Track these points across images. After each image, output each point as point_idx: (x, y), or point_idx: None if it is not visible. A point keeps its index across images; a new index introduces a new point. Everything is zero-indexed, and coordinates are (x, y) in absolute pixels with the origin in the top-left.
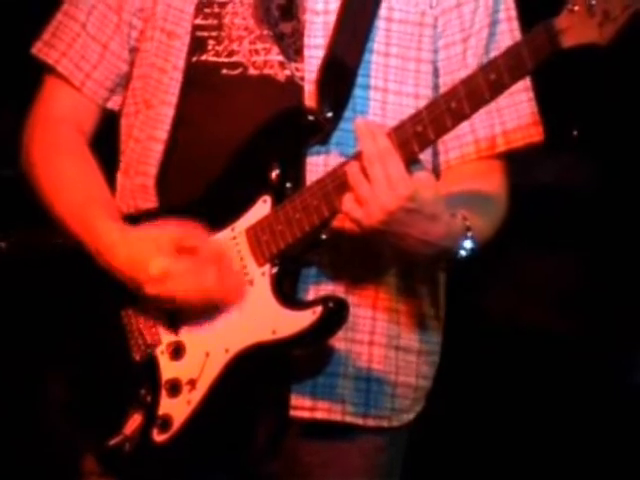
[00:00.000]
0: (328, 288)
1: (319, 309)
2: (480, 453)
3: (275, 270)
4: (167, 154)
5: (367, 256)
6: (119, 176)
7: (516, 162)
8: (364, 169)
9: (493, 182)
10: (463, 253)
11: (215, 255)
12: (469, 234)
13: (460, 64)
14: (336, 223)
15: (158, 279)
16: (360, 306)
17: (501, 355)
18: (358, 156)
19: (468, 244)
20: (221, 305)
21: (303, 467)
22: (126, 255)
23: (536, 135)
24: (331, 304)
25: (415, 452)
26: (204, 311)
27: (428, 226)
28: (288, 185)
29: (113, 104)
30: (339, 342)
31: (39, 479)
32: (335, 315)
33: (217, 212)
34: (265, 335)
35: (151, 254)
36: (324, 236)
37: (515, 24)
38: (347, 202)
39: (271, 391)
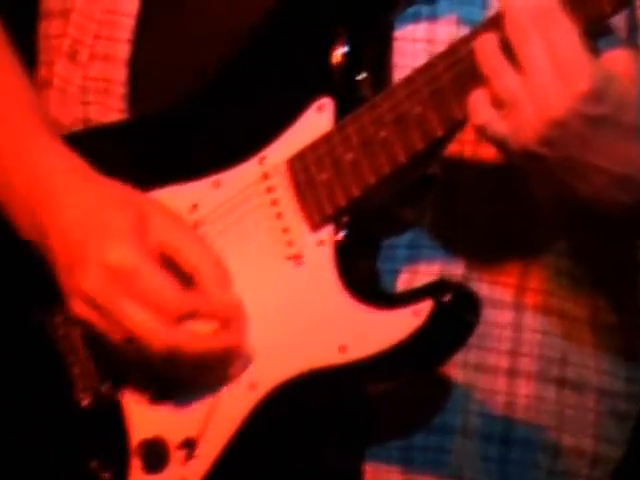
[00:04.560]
0: (433, 270)
1: (426, 307)
2: None
3: (342, 236)
4: (142, 26)
5: (509, 213)
6: (53, 64)
7: None
8: (508, 45)
9: None
10: None
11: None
12: None
13: None
14: (452, 148)
15: (108, 281)
16: (494, 305)
17: None
18: (495, 22)
19: None
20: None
21: None
22: (76, 215)
23: None
24: (448, 298)
25: None
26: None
27: (627, 148)
28: (362, 77)
29: None
30: (455, 369)
31: None
32: (456, 318)
33: (231, 130)
34: (325, 355)
35: (113, 235)
36: (431, 174)
37: None
38: (477, 105)
39: (332, 458)
